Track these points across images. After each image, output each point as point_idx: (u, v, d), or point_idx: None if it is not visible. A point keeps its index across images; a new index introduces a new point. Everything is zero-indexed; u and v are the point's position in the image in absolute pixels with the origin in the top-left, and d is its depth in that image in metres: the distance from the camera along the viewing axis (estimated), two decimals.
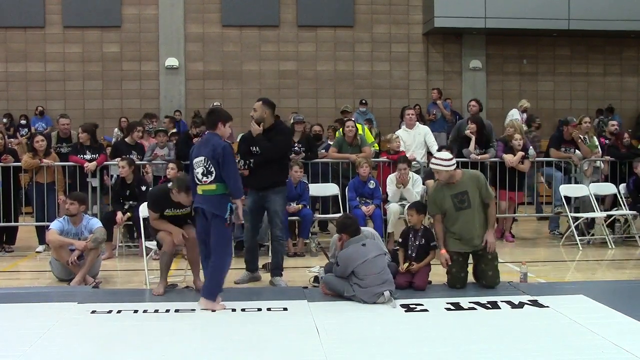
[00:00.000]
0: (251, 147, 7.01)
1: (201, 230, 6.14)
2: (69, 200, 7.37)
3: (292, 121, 9.74)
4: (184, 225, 6.76)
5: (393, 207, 8.88)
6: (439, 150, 9.55)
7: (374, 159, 9.84)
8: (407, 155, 9.62)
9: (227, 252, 6.12)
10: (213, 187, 5.92)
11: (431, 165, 6.81)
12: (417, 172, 9.59)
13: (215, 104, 10.96)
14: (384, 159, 9.91)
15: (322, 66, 17.32)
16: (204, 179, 5.93)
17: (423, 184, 9.22)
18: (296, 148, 9.41)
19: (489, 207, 6.77)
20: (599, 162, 10.50)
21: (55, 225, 7.29)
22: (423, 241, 6.77)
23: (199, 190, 6.02)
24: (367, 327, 5.41)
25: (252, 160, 7.00)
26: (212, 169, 5.88)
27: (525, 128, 11.27)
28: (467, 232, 6.67)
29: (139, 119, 11.76)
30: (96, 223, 7.38)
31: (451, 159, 6.67)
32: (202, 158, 5.94)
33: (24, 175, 9.60)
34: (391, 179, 9.11)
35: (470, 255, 6.80)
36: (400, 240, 6.95)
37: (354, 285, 6.07)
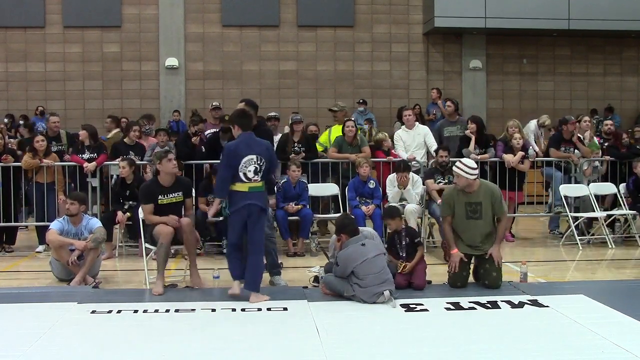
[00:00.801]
0: None
1: (240, 228, 6.29)
2: (69, 200, 7.37)
3: (290, 121, 9.73)
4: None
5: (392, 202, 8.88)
6: (437, 150, 9.56)
7: (372, 159, 9.85)
8: (407, 156, 9.62)
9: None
10: (261, 184, 6.29)
11: (454, 169, 6.76)
12: (417, 172, 9.58)
13: (214, 104, 10.90)
14: (383, 159, 9.92)
15: (322, 66, 17.32)
16: (255, 177, 6.23)
17: (423, 184, 9.23)
18: (296, 148, 9.41)
19: (500, 222, 6.78)
20: (597, 162, 10.49)
21: (55, 225, 7.29)
22: (408, 240, 6.82)
23: (244, 187, 6.22)
24: (367, 327, 5.41)
25: None
26: (263, 166, 6.24)
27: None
28: (474, 240, 6.71)
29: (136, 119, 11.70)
30: (96, 223, 7.39)
31: (476, 169, 6.67)
32: (254, 156, 6.22)
33: (23, 173, 9.57)
34: (391, 180, 9.12)
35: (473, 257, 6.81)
36: (385, 245, 6.97)
37: (354, 285, 6.08)
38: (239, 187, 6.22)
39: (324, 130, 10.81)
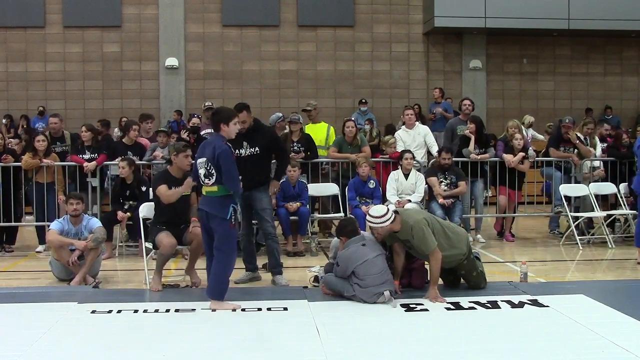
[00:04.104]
0: (236, 150, 6.97)
1: (204, 232, 6.15)
2: (74, 200, 7.34)
3: (288, 121, 9.70)
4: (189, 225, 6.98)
5: (392, 208, 8.88)
6: (440, 151, 9.56)
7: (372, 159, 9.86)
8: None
9: (231, 251, 6.08)
10: (215, 188, 5.95)
11: (367, 224, 6.38)
12: (418, 171, 9.58)
13: (206, 104, 10.85)
14: (383, 158, 9.94)
15: (322, 66, 17.32)
16: (207, 180, 5.96)
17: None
18: (295, 147, 9.40)
19: (429, 262, 6.23)
20: (596, 162, 10.47)
21: (55, 225, 7.29)
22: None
23: (203, 191, 6.08)
24: (367, 327, 5.41)
25: None
26: (213, 171, 5.90)
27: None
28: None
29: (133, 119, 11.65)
30: (96, 223, 7.38)
31: (384, 215, 6.12)
32: (204, 159, 5.97)
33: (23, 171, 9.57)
34: (393, 177, 9.19)
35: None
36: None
37: (354, 285, 6.07)
38: (202, 190, 6.11)
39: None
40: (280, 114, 9.66)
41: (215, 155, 5.87)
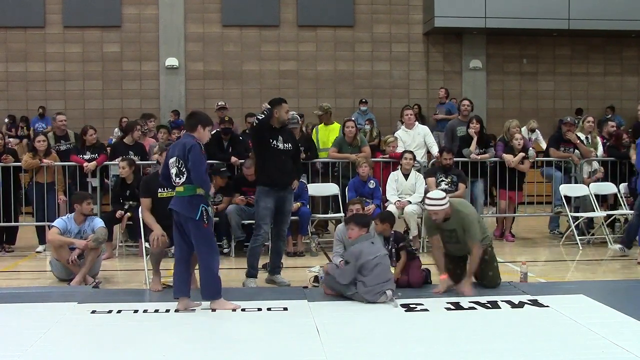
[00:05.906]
0: (271, 140, 6.95)
1: (176, 232, 5.97)
2: (91, 200, 7.39)
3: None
4: None
5: (393, 208, 8.89)
6: (441, 152, 9.56)
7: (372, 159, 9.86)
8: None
9: (212, 250, 5.96)
10: (182, 188, 5.83)
11: (426, 207, 6.50)
12: (418, 171, 9.58)
13: (219, 103, 10.83)
14: (382, 158, 9.94)
15: (322, 66, 17.33)
16: (177, 180, 5.84)
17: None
18: None
19: (471, 253, 6.39)
20: (595, 164, 10.47)
21: (58, 223, 7.29)
22: (396, 245, 6.82)
23: (176, 192, 5.95)
24: (368, 326, 5.41)
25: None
26: (184, 169, 5.79)
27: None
28: (463, 252, 6.59)
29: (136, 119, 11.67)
30: (99, 223, 7.39)
31: (444, 197, 6.38)
32: (174, 158, 5.86)
33: (24, 175, 9.60)
34: (393, 177, 9.19)
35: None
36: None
37: (359, 282, 6.06)
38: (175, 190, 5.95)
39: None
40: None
41: (185, 151, 5.76)
